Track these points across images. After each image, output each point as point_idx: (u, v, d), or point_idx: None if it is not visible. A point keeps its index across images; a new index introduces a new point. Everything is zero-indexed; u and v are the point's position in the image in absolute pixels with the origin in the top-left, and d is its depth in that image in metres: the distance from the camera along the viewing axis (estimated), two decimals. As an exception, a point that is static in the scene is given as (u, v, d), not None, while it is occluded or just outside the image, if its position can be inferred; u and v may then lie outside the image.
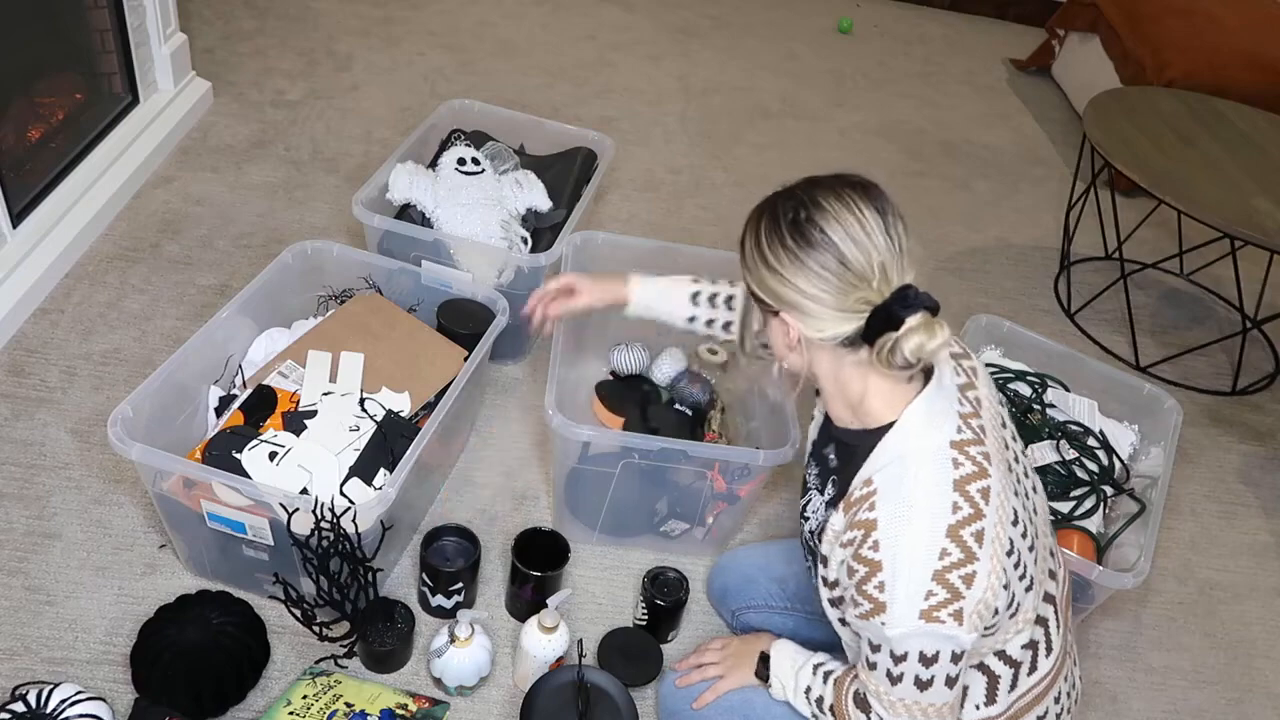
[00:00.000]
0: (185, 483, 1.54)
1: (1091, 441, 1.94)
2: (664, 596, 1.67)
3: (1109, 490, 1.87)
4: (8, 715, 1.35)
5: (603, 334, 2.20)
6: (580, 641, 1.62)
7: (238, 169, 2.64)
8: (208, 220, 2.45)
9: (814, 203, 1.12)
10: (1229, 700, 1.84)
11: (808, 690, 1.34)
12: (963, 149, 3.41)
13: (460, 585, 1.65)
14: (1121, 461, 1.92)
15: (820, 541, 1.26)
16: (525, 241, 2.15)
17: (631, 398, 2.08)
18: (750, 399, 2.05)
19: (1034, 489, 1.29)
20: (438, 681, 1.57)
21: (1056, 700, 1.33)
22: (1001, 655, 1.25)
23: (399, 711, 1.45)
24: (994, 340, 2.15)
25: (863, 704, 1.23)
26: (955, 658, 1.14)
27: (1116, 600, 1.97)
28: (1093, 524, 1.82)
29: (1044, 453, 1.89)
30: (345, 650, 1.56)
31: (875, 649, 1.18)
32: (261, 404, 1.70)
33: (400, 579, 1.75)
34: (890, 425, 1.17)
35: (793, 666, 1.37)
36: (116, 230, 2.37)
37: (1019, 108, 3.75)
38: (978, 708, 1.28)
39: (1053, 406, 2.00)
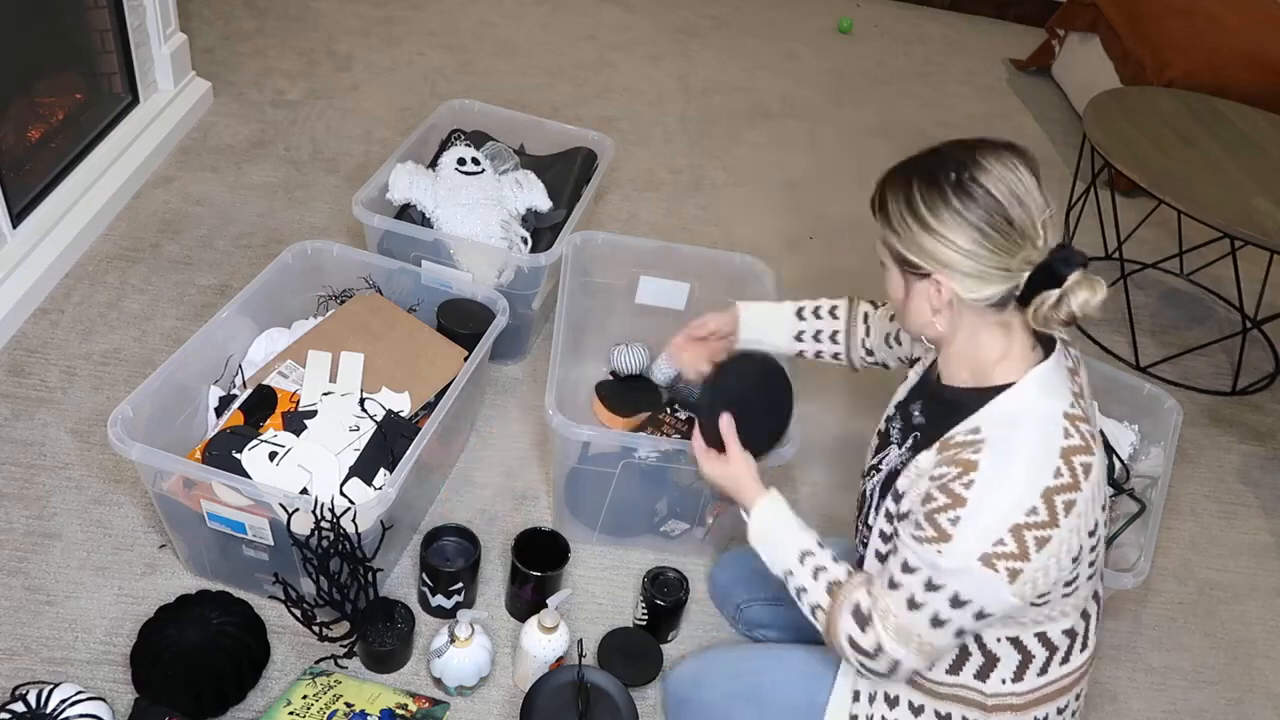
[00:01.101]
0: (185, 483, 1.54)
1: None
2: (664, 596, 1.67)
3: (1109, 490, 1.87)
4: (8, 715, 1.36)
5: (603, 334, 2.21)
6: (580, 641, 1.62)
7: (238, 169, 2.64)
8: (208, 220, 2.45)
9: (974, 162, 1.12)
10: (1229, 700, 1.84)
11: (789, 573, 1.31)
12: (963, 149, 3.40)
13: (460, 585, 1.65)
14: (1122, 461, 1.92)
15: (893, 484, 1.26)
16: (525, 241, 2.15)
17: (631, 398, 2.08)
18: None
19: (1109, 487, 1.30)
20: (438, 681, 1.57)
21: (1077, 698, 1.33)
22: (1041, 637, 1.25)
23: (399, 711, 1.45)
24: None
25: (862, 620, 1.22)
26: (980, 614, 1.15)
27: (1116, 600, 1.97)
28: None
29: None
30: (345, 650, 1.57)
31: (910, 570, 1.16)
32: (261, 404, 1.70)
33: (400, 579, 1.75)
34: (1005, 386, 1.18)
35: (781, 551, 1.34)
36: (116, 230, 2.37)
37: (1019, 108, 3.75)
38: (1004, 681, 1.27)
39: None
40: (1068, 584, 1.19)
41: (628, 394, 2.08)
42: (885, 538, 1.28)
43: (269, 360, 1.80)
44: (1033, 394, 1.17)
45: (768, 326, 1.64)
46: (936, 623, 1.16)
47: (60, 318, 2.12)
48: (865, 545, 1.34)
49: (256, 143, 2.75)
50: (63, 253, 2.20)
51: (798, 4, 4.23)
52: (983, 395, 1.19)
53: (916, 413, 1.34)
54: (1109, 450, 1.93)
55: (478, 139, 2.37)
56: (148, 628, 1.50)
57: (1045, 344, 1.22)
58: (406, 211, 2.12)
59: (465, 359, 1.82)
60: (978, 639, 1.24)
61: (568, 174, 2.33)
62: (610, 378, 2.15)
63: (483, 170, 2.20)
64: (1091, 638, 1.30)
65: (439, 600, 1.66)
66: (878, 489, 1.34)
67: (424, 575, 1.65)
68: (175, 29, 2.69)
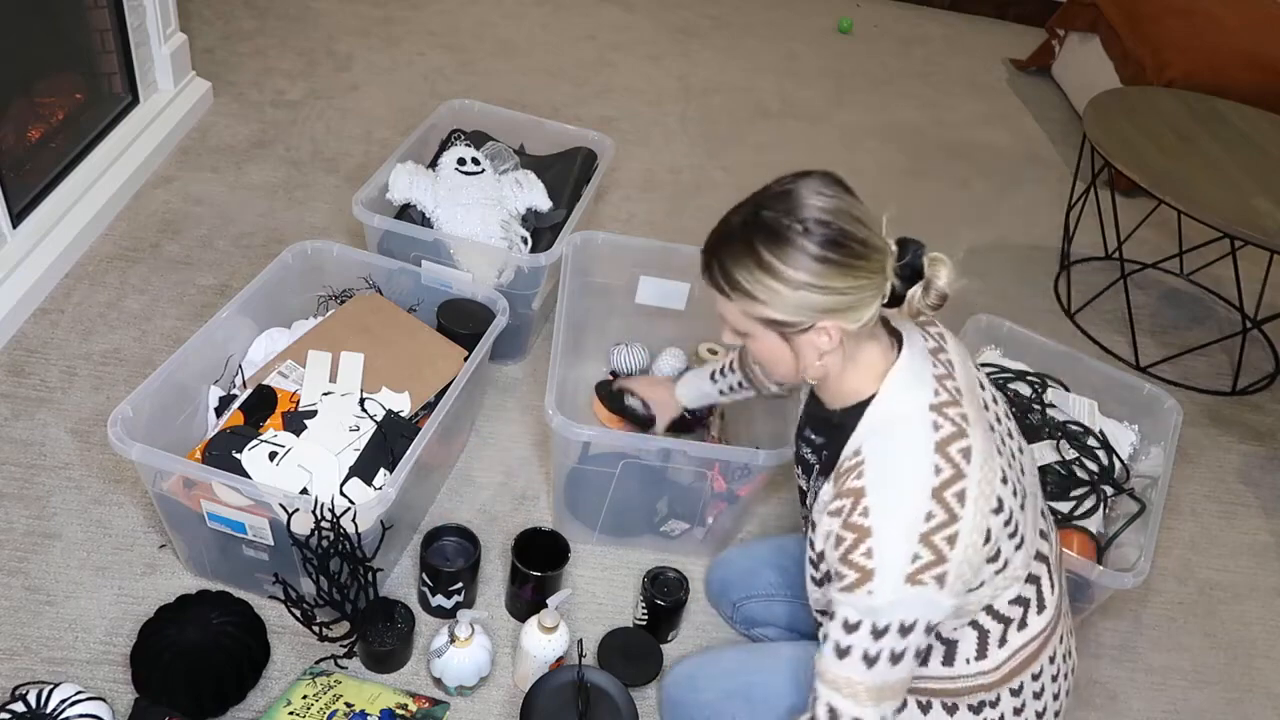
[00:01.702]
0: (185, 483, 1.54)
1: (1091, 441, 1.94)
2: (664, 596, 1.67)
3: (1109, 490, 1.87)
4: (8, 715, 1.36)
5: (603, 334, 2.21)
6: (580, 641, 1.62)
7: (238, 169, 2.64)
8: (208, 220, 2.46)
9: (802, 204, 1.13)
10: (1229, 700, 1.84)
11: None
12: (963, 149, 3.41)
13: (460, 585, 1.65)
14: (1121, 461, 1.92)
15: (810, 518, 1.28)
16: (525, 241, 2.15)
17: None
18: (751, 400, 2.05)
19: (1020, 449, 1.29)
20: (438, 681, 1.57)
21: (1051, 660, 1.32)
22: (990, 610, 1.24)
23: (399, 711, 1.45)
24: (994, 340, 2.15)
25: (837, 715, 1.17)
26: (929, 628, 1.15)
27: (1116, 600, 1.97)
28: (1093, 524, 1.82)
29: (1044, 453, 1.89)
30: (345, 650, 1.57)
31: (852, 627, 1.14)
32: (261, 404, 1.70)
33: (400, 579, 1.75)
34: (872, 398, 1.20)
35: None
36: (116, 230, 2.37)
37: (1019, 108, 3.75)
38: (968, 661, 1.27)
39: (1053, 406, 2.00)
40: (991, 560, 1.18)
41: (629, 404, 2.07)
42: (817, 583, 1.28)
43: (269, 360, 1.80)
44: (895, 396, 1.19)
45: (698, 397, 1.82)
46: (896, 659, 1.15)
47: (60, 318, 2.12)
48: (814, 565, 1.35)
49: (256, 143, 2.75)
50: (63, 253, 2.20)
51: (798, 4, 4.23)
52: (858, 411, 1.21)
53: (813, 436, 1.35)
54: (1109, 450, 1.93)
55: (478, 139, 2.37)
56: (148, 628, 1.50)
57: (895, 334, 1.25)
58: (406, 211, 2.12)
59: (465, 359, 1.82)
60: (935, 632, 1.25)
61: (568, 174, 2.33)
62: (610, 378, 2.15)
63: (483, 170, 2.20)
64: (1049, 599, 1.29)
65: (439, 600, 1.66)
66: (809, 522, 1.34)
67: (424, 575, 1.65)
68: (175, 29, 2.69)
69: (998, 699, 1.29)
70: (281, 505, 1.46)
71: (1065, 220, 2.88)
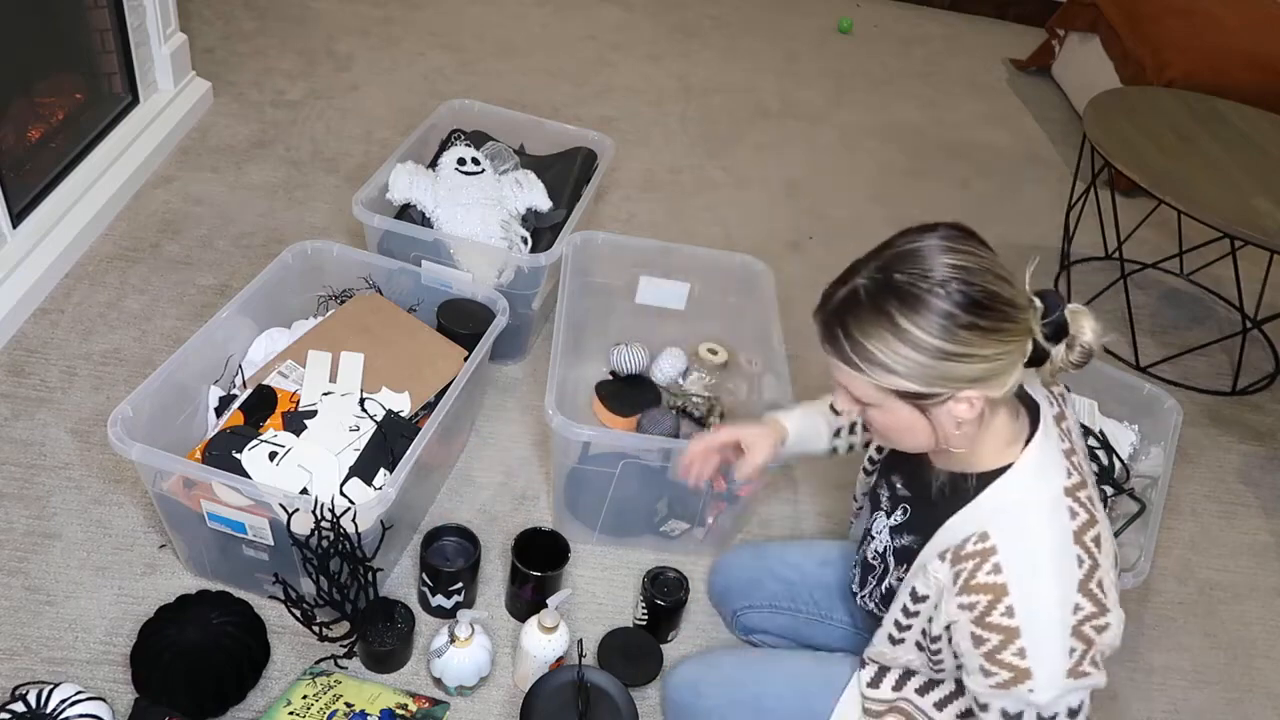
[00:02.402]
0: (185, 483, 1.54)
1: (1091, 441, 1.94)
2: (664, 596, 1.67)
3: (1109, 490, 1.87)
4: (8, 715, 1.36)
5: (603, 334, 2.21)
6: (580, 641, 1.62)
7: (238, 169, 2.64)
8: (208, 220, 2.45)
9: (945, 264, 1.02)
10: (1229, 700, 1.84)
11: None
12: (963, 149, 3.41)
13: (460, 585, 1.65)
14: (1121, 461, 1.92)
15: (905, 564, 1.24)
16: (525, 241, 2.15)
17: (631, 398, 2.08)
18: (751, 400, 2.05)
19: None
20: (438, 681, 1.57)
21: None
22: None
23: (399, 711, 1.45)
24: None
25: None
26: (1091, 700, 1.12)
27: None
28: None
29: None
30: (345, 650, 1.57)
31: (1014, 716, 1.11)
32: (261, 404, 1.70)
33: (400, 579, 1.75)
34: (1000, 470, 1.13)
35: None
36: (116, 230, 2.37)
37: (1019, 108, 3.75)
38: None
39: (1053, 406, 2.00)
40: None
41: (628, 394, 2.08)
42: (900, 627, 1.26)
43: (269, 360, 1.80)
44: (1030, 476, 1.12)
45: (808, 440, 1.53)
46: None
47: (60, 318, 2.12)
48: (871, 602, 1.35)
49: (256, 143, 2.75)
50: (63, 253, 2.20)
51: (798, 4, 4.23)
52: (979, 481, 1.14)
53: (899, 484, 1.32)
54: (1109, 450, 1.93)
55: (478, 139, 2.37)
56: (148, 628, 1.50)
57: (1024, 402, 1.18)
58: (406, 211, 2.12)
59: (465, 359, 1.82)
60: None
61: (568, 174, 2.33)
62: (610, 377, 2.15)
63: (483, 170, 2.20)
64: None
65: (439, 600, 1.66)
66: (885, 558, 1.32)
67: (424, 575, 1.65)
68: (175, 29, 2.69)
69: None
70: (281, 505, 1.46)
71: (1065, 220, 2.88)
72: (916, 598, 1.21)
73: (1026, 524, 1.10)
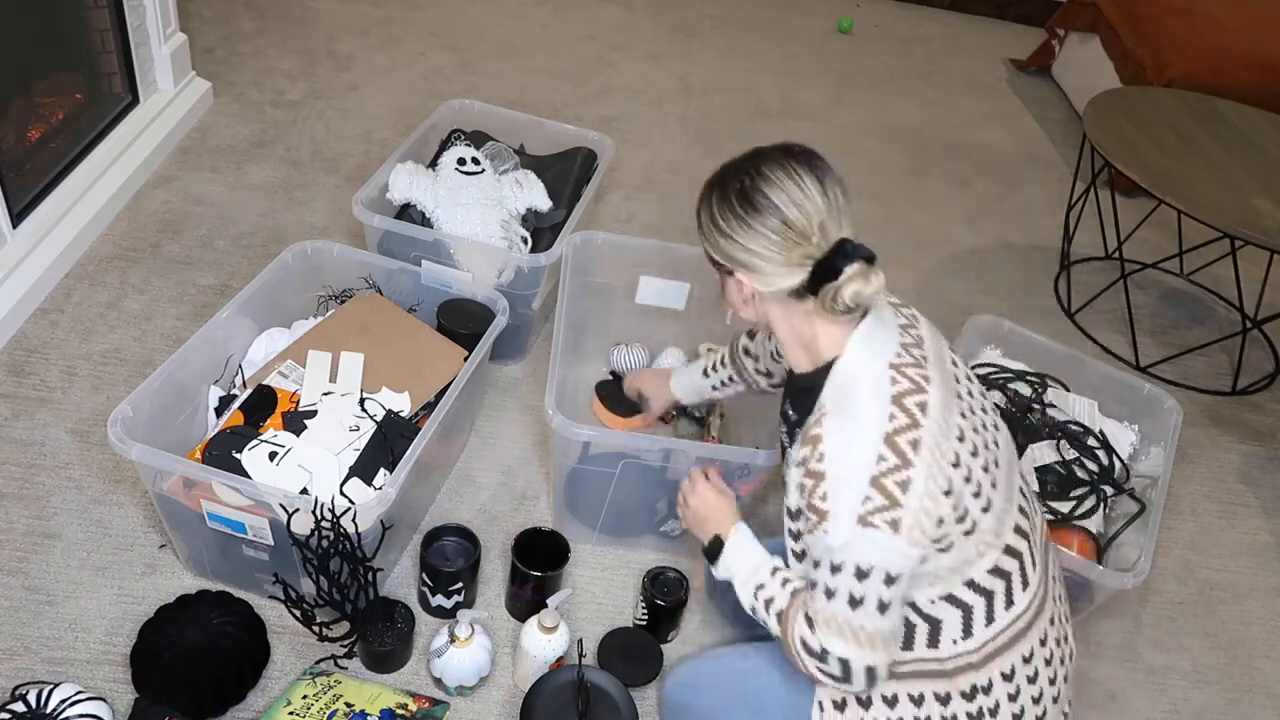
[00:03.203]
0: (185, 483, 1.54)
1: (1091, 441, 1.94)
2: (664, 596, 1.67)
3: (1109, 490, 1.87)
4: (8, 715, 1.36)
5: (603, 334, 2.21)
6: (580, 641, 1.62)
7: (238, 169, 2.64)
8: (208, 220, 2.46)
9: (758, 172, 1.24)
10: (1229, 700, 1.84)
11: (759, 588, 1.34)
12: (963, 149, 3.41)
13: (460, 585, 1.65)
14: (1122, 461, 1.92)
15: (786, 479, 1.33)
16: (525, 241, 2.15)
17: (632, 398, 2.07)
18: (752, 400, 2.05)
19: (995, 425, 1.32)
20: (438, 681, 1.57)
21: (1042, 643, 1.33)
22: (971, 584, 1.26)
23: (399, 711, 1.45)
24: (994, 340, 2.15)
25: (809, 620, 1.25)
26: (889, 578, 1.17)
27: (1116, 600, 1.97)
28: (1093, 524, 1.82)
29: (1044, 453, 1.89)
30: (345, 650, 1.57)
31: (816, 564, 1.22)
32: (261, 404, 1.70)
33: (400, 579, 1.75)
34: (835, 361, 1.28)
35: (749, 563, 1.38)
36: (116, 230, 2.37)
37: (1019, 108, 3.75)
38: (955, 641, 1.28)
39: (1053, 406, 2.00)
40: (960, 520, 1.21)
41: (628, 394, 2.08)
42: (795, 536, 1.32)
43: (269, 360, 1.80)
44: (857, 355, 1.25)
45: (692, 392, 1.85)
46: (854, 603, 1.19)
47: (60, 318, 2.12)
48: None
49: (256, 143, 2.75)
50: (63, 253, 2.20)
51: (798, 4, 4.23)
52: (821, 374, 1.28)
53: (790, 411, 1.42)
54: (1109, 450, 1.93)
55: (478, 139, 2.37)
56: (148, 628, 1.50)
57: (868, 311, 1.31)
58: (406, 211, 2.12)
59: (465, 359, 1.82)
60: (915, 608, 1.26)
61: (568, 174, 2.33)
62: (610, 377, 2.15)
63: (483, 170, 2.20)
64: (1031, 575, 1.30)
65: (439, 600, 1.66)
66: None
67: (424, 575, 1.65)
68: (175, 29, 2.69)
69: (990, 684, 1.29)
70: (281, 505, 1.46)
71: (1065, 220, 2.88)
72: (787, 492, 1.30)
73: (849, 390, 1.24)
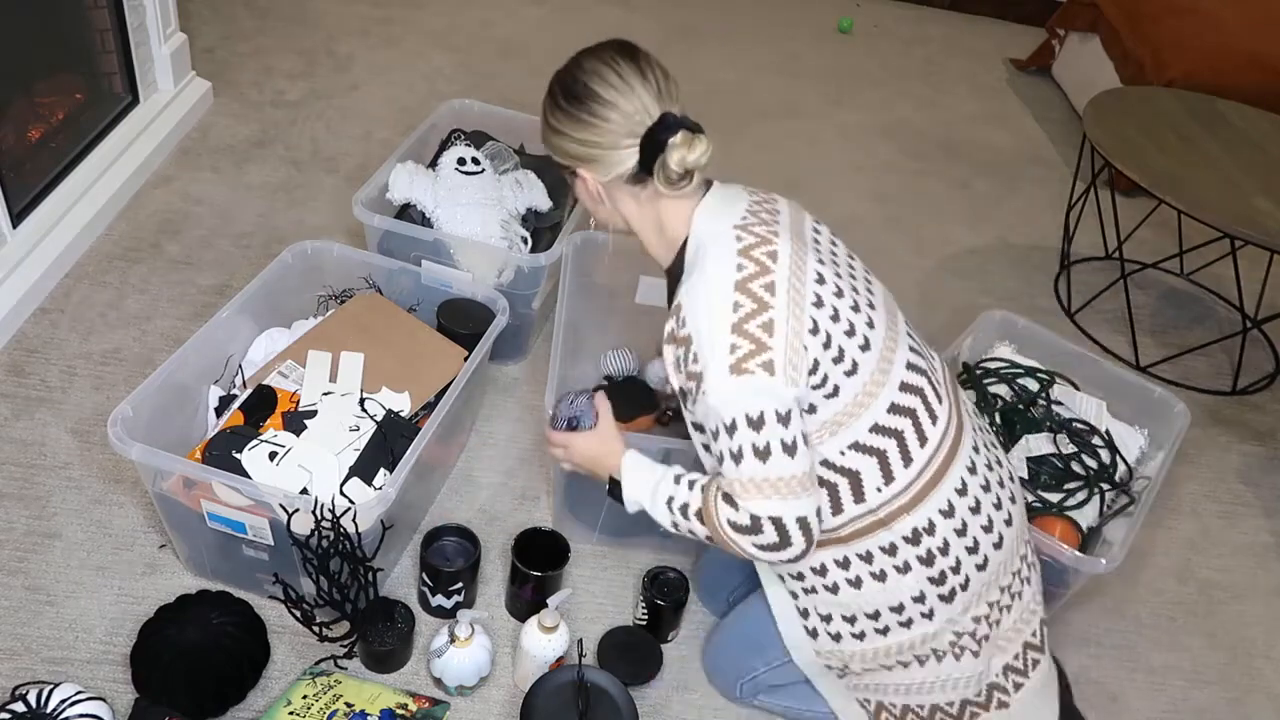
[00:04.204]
0: (185, 483, 1.54)
1: (1096, 440, 1.94)
2: (664, 596, 1.67)
3: (1106, 487, 1.87)
4: (8, 715, 1.36)
5: (603, 334, 2.20)
6: (580, 641, 1.62)
7: (238, 169, 2.64)
8: (208, 220, 2.46)
9: (579, 68, 1.28)
10: (1229, 700, 1.84)
11: (669, 500, 1.34)
12: (963, 149, 3.41)
13: (460, 585, 1.65)
14: (1125, 461, 1.92)
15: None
16: (525, 241, 2.15)
17: (629, 403, 2.04)
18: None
19: (867, 277, 1.36)
20: (438, 681, 1.57)
21: (972, 471, 1.33)
22: (876, 429, 1.27)
23: (399, 711, 1.45)
24: (1007, 336, 2.16)
25: (729, 499, 1.26)
26: (781, 418, 1.19)
27: (1117, 600, 1.97)
28: (1084, 518, 1.82)
29: (1039, 444, 1.90)
30: (345, 650, 1.57)
31: (715, 435, 1.23)
32: (261, 404, 1.70)
33: (400, 579, 1.75)
34: (688, 237, 1.32)
35: (649, 483, 1.37)
36: (116, 230, 2.37)
37: (1019, 108, 3.75)
38: (879, 490, 1.29)
39: (1059, 404, 2.01)
40: (838, 360, 1.22)
41: (625, 399, 2.06)
42: (695, 425, 1.32)
43: (269, 360, 1.80)
44: (702, 226, 1.29)
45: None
46: (760, 454, 1.19)
47: (60, 318, 2.12)
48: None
49: (256, 143, 2.75)
50: (63, 253, 2.20)
51: (798, 4, 4.23)
52: (679, 257, 1.33)
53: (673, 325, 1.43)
54: (1112, 449, 1.93)
55: (478, 139, 2.37)
56: (148, 628, 1.50)
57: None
58: (406, 211, 2.12)
59: (465, 359, 1.82)
60: (829, 465, 1.27)
61: (568, 174, 2.33)
62: (606, 383, 2.14)
63: (483, 170, 2.20)
64: (939, 409, 1.32)
65: (439, 600, 1.66)
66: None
67: (424, 575, 1.65)
68: (175, 29, 2.69)
69: (931, 525, 1.30)
70: (281, 505, 1.46)
71: (1065, 220, 2.88)
72: (668, 381, 1.31)
73: (699, 255, 1.27)
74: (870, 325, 1.27)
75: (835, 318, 1.24)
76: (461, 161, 2.19)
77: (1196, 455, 2.36)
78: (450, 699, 1.58)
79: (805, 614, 1.42)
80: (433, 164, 2.28)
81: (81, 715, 1.37)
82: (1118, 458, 1.91)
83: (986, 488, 1.35)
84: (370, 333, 1.86)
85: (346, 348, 1.81)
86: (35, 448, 1.85)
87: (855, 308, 1.27)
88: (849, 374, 1.24)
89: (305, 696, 1.45)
